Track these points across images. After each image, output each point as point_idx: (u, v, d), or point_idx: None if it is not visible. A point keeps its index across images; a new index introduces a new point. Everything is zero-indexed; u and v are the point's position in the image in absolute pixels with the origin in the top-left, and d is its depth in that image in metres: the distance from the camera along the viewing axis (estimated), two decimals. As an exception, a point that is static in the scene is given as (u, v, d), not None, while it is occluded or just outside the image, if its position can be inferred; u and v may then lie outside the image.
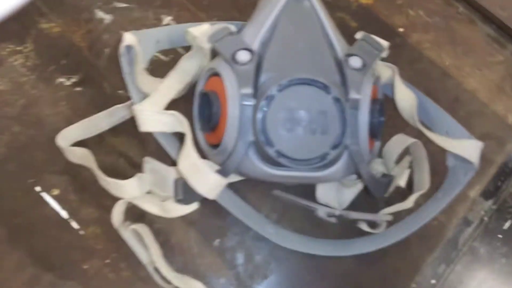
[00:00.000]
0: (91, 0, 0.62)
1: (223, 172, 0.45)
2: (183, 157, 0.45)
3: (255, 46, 0.46)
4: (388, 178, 0.50)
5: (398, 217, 0.53)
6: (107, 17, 0.61)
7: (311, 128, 0.43)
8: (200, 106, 0.49)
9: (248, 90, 0.44)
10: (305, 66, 0.45)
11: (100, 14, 0.61)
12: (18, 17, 0.60)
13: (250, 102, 0.44)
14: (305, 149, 0.43)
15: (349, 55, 0.47)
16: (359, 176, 0.47)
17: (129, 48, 0.50)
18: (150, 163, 0.48)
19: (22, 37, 0.60)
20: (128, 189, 0.49)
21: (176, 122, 0.47)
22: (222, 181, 0.44)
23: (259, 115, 0.43)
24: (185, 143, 0.45)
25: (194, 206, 0.47)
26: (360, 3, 0.65)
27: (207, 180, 0.44)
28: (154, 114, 0.47)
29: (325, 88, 0.43)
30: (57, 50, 0.59)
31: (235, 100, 0.44)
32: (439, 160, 0.56)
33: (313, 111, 0.43)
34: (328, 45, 0.47)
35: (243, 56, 0.45)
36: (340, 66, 0.46)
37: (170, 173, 0.47)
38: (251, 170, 0.46)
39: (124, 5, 0.62)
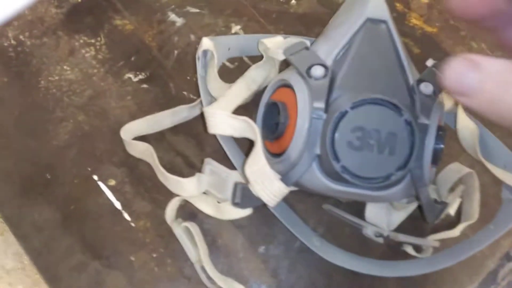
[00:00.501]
0: (165, 2, 0.64)
1: (286, 180, 0.45)
2: (251, 162, 0.45)
3: (329, 62, 0.46)
4: (442, 205, 0.50)
5: (442, 245, 0.52)
6: (179, 20, 0.63)
7: (380, 148, 0.42)
8: (266, 115, 0.49)
9: (320, 105, 0.44)
10: (378, 87, 0.44)
11: (172, 16, 0.63)
12: (93, 11, 0.62)
13: (321, 116, 0.44)
14: (371, 167, 0.43)
15: (420, 80, 0.46)
16: (417, 199, 0.47)
17: (205, 52, 0.51)
18: (211, 165, 0.49)
19: (96, 30, 0.61)
20: (186, 187, 0.50)
21: (247, 127, 0.47)
22: (285, 190, 0.45)
23: (329, 130, 0.42)
24: (255, 149, 0.45)
25: (248, 211, 0.48)
26: (424, 31, 0.65)
27: (272, 188, 0.44)
28: (225, 118, 0.48)
29: (397, 110, 0.42)
30: (128, 46, 0.61)
31: (306, 112, 0.44)
32: (490, 193, 0.55)
33: (384, 131, 0.42)
34: (401, 69, 0.47)
35: (318, 71, 0.45)
36: (412, 91, 0.46)
37: (230, 176, 0.47)
38: (312, 182, 0.46)
39: (197, 10, 0.63)
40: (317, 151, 0.44)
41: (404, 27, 0.65)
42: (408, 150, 0.43)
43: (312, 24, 0.63)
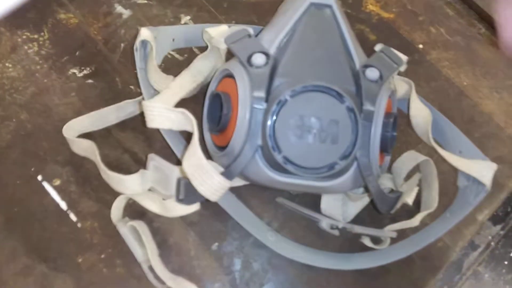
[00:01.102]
0: (111, -6, 0.61)
1: (227, 174, 0.43)
2: (188, 156, 0.43)
3: (272, 50, 0.44)
4: (396, 194, 0.47)
5: (402, 235, 0.51)
6: (126, 12, 0.60)
7: (322, 137, 0.40)
8: (210, 107, 0.47)
9: (261, 94, 0.42)
10: (320, 74, 0.42)
11: (119, 8, 0.60)
12: (36, 5, 0.59)
13: (262, 105, 0.42)
14: (314, 157, 0.41)
15: (366, 66, 0.44)
16: (367, 190, 0.45)
17: (144, 43, 0.49)
18: (155, 160, 0.46)
19: (39, 25, 0.58)
20: (130, 185, 0.47)
21: (184, 120, 0.45)
22: (226, 184, 0.42)
23: (269, 120, 0.40)
24: (192, 142, 0.42)
25: (195, 207, 0.45)
26: (381, 17, 0.63)
27: (211, 182, 0.42)
28: (163, 111, 0.45)
29: (339, 97, 0.40)
30: (73, 41, 0.58)
31: (246, 102, 0.42)
32: (449, 180, 0.53)
33: (325, 119, 0.40)
34: (346, 54, 0.45)
35: (258, 59, 0.43)
36: (357, 77, 0.44)
37: (173, 171, 0.45)
38: (256, 175, 0.43)
39: (144, 1, 0.61)
40: (259, 142, 0.42)
41: (360, 14, 0.63)
42: (352, 138, 0.41)
43: (265, 13, 0.61)
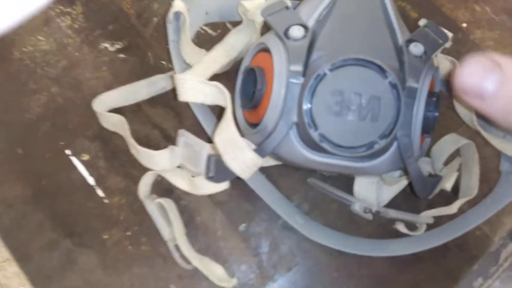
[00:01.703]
0: (145, -34, 0.59)
1: (260, 152, 0.40)
2: (220, 130, 0.40)
3: (311, 23, 0.41)
4: (436, 178, 0.44)
5: (438, 222, 0.48)
6: (159, -14, 0.58)
7: (361, 114, 0.37)
8: (244, 82, 0.44)
9: (298, 68, 0.39)
10: (362, 47, 0.39)
11: (152, -18, 0.58)
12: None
13: (299, 80, 0.39)
14: (352, 135, 0.38)
15: (410, 40, 0.41)
16: (405, 173, 0.42)
17: (177, 15, 0.47)
18: (185, 136, 0.45)
19: (72, -2, 0.57)
20: (159, 161, 0.45)
21: (218, 93, 0.42)
22: (258, 161, 0.40)
23: (306, 94, 0.37)
24: (225, 116, 0.40)
25: (224, 186, 0.43)
26: (423, -6, 0.59)
27: (243, 158, 0.40)
28: (195, 84, 0.43)
29: (381, 71, 0.37)
30: (105, 15, 0.56)
31: (282, 77, 0.39)
32: (490, 167, 0.50)
33: (366, 95, 0.37)
34: (389, 28, 0.41)
35: (296, 31, 0.40)
36: (400, 51, 0.40)
37: (204, 148, 0.43)
38: (289, 153, 0.41)
39: (178, -24, 0.58)
40: (294, 118, 0.39)
41: (401, -10, 0.59)
42: (393, 116, 0.38)
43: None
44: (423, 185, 0.42)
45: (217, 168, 0.41)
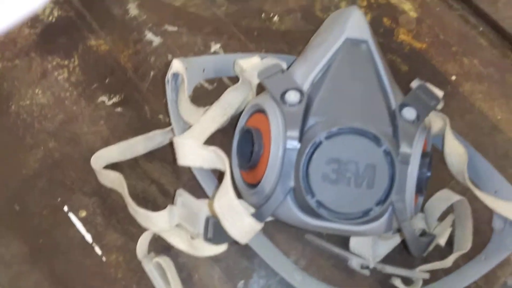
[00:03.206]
0: (142, 21, 0.58)
1: (259, 215, 0.40)
2: (219, 195, 0.40)
3: (306, 86, 0.42)
4: (429, 238, 0.44)
5: (434, 276, 0.47)
6: (156, 40, 0.58)
7: (357, 181, 0.38)
8: (240, 142, 0.44)
9: (294, 133, 0.39)
10: (356, 114, 0.40)
11: (149, 35, 0.58)
12: (67, 31, 0.57)
13: (295, 146, 0.39)
14: (348, 202, 0.38)
15: (403, 105, 0.41)
16: (398, 230, 0.42)
17: (176, 75, 0.46)
18: (183, 197, 0.44)
19: (70, 51, 0.57)
20: (157, 221, 0.45)
21: (216, 158, 0.42)
22: (257, 226, 0.40)
23: (303, 161, 0.38)
24: (224, 182, 0.40)
25: (223, 247, 0.43)
26: (413, 47, 0.60)
27: (242, 224, 0.39)
28: (194, 148, 0.43)
29: (376, 140, 0.37)
30: (102, 68, 0.56)
31: (279, 141, 0.39)
32: (482, 220, 0.50)
33: (362, 163, 0.37)
34: (383, 93, 0.42)
35: (292, 96, 0.40)
36: (393, 116, 0.41)
37: (202, 210, 0.42)
38: (287, 217, 0.41)
39: (175, 28, 0.58)
40: (291, 183, 0.39)
41: (392, 43, 0.60)
42: (388, 182, 0.38)
43: (295, 42, 0.58)
44: (417, 245, 0.42)
45: (215, 231, 0.41)
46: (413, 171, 0.40)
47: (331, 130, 0.37)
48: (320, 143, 0.37)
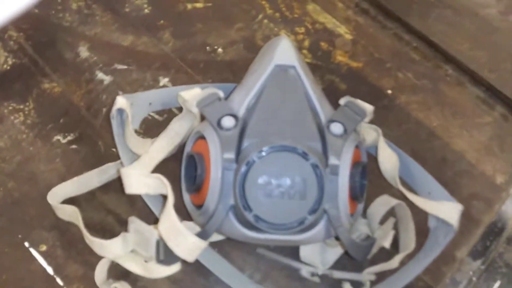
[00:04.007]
0: (93, 61, 0.62)
1: (203, 234, 0.43)
2: (163, 219, 0.43)
3: (242, 111, 0.46)
4: (369, 241, 0.47)
5: (383, 277, 0.50)
6: (107, 78, 0.61)
7: (290, 194, 0.41)
8: (186, 168, 0.47)
9: (231, 155, 0.43)
10: (286, 133, 0.43)
11: (100, 75, 0.61)
12: (21, 76, 0.60)
13: (232, 166, 0.42)
14: (283, 214, 0.41)
15: (330, 121, 0.45)
16: (338, 239, 0.45)
17: (120, 111, 0.50)
18: (135, 223, 0.47)
19: (25, 96, 0.60)
20: (112, 249, 0.47)
21: (160, 184, 0.45)
22: (202, 244, 0.43)
23: (239, 180, 0.41)
24: (166, 206, 0.43)
25: (176, 268, 0.46)
26: (350, 66, 0.64)
27: (186, 243, 0.42)
28: (139, 177, 0.46)
29: (304, 155, 0.41)
30: (57, 109, 0.59)
31: (218, 164, 0.43)
32: (425, 221, 0.53)
33: (292, 177, 0.41)
34: (312, 111, 0.46)
35: (227, 122, 0.44)
36: (322, 132, 0.45)
37: (152, 234, 0.45)
38: (231, 232, 0.44)
39: (124, 67, 0.62)
40: (231, 201, 0.42)
41: (330, 65, 0.64)
42: (318, 193, 0.41)
43: (239, 71, 0.61)
44: (356, 250, 0.45)
45: (166, 252, 0.44)
46: (343, 181, 0.43)
47: (262, 149, 0.41)
48: (253, 162, 0.41)
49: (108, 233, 0.48)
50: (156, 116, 0.58)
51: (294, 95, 0.46)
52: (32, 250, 0.51)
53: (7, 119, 0.58)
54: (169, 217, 0.42)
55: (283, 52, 0.47)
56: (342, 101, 0.49)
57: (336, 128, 0.45)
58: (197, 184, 0.44)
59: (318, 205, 0.41)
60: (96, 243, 0.47)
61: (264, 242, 0.45)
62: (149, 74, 0.62)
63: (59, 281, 0.50)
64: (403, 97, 0.63)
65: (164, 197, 0.49)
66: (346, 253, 0.50)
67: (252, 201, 0.41)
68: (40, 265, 0.51)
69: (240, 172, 0.41)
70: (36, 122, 0.58)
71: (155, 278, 0.46)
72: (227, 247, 0.52)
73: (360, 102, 0.50)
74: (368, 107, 0.50)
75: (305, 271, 0.49)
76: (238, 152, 0.43)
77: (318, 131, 0.44)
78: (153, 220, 0.47)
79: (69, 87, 0.60)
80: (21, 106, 0.59)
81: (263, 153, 0.41)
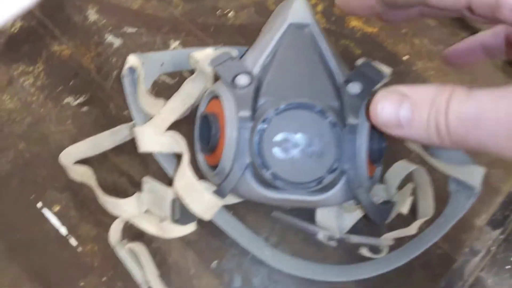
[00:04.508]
0: (102, 25, 0.61)
1: (219, 193, 0.43)
2: (179, 176, 0.43)
3: (256, 70, 0.45)
4: (388, 205, 0.47)
5: (401, 244, 0.50)
6: (116, 41, 0.60)
7: (308, 152, 0.40)
8: (200, 128, 0.47)
9: (246, 113, 0.42)
10: (303, 91, 0.43)
11: (110, 38, 0.60)
12: (30, 39, 0.60)
13: (248, 124, 0.42)
14: (301, 172, 0.41)
15: (347, 81, 0.45)
16: (358, 202, 0.44)
17: (132, 69, 0.49)
18: (149, 183, 0.46)
19: (34, 58, 0.59)
20: (126, 208, 0.47)
21: (174, 142, 0.45)
22: (218, 202, 0.42)
23: (256, 138, 0.40)
24: (182, 163, 0.43)
25: (191, 228, 0.45)
26: (364, 32, 0.63)
27: (202, 200, 0.42)
28: (152, 135, 0.46)
29: (321, 112, 0.40)
30: (67, 71, 0.58)
31: (233, 122, 0.42)
32: (444, 187, 0.52)
33: (310, 135, 0.40)
34: (327, 71, 0.45)
35: (242, 80, 0.44)
36: (339, 91, 0.44)
37: (167, 193, 0.45)
38: (247, 192, 0.44)
39: (134, 30, 0.61)
40: (248, 160, 0.42)
41: (344, 30, 0.63)
42: (336, 151, 0.41)
43: (251, 35, 0.60)
44: (375, 212, 0.45)
45: (182, 211, 0.44)
46: (362, 140, 0.43)
47: (279, 106, 0.40)
48: (270, 119, 0.40)
49: (121, 194, 0.48)
50: (168, 79, 0.58)
51: (309, 54, 0.45)
52: (45, 211, 0.51)
53: (16, 81, 0.57)
54: (184, 173, 0.42)
55: (298, 10, 0.46)
56: (359, 61, 0.48)
57: (354, 87, 0.44)
58: (211, 144, 0.44)
59: (336, 164, 0.41)
60: (110, 202, 0.47)
61: (280, 203, 0.44)
62: (159, 37, 0.61)
63: (72, 241, 0.50)
64: (419, 63, 0.62)
65: (178, 158, 0.49)
66: (364, 217, 0.50)
67: (269, 159, 0.40)
68: (53, 226, 0.51)
69: (257, 130, 0.40)
70: (46, 84, 0.57)
71: (170, 237, 0.46)
72: (242, 210, 0.52)
73: (378, 64, 0.49)
74: (387, 69, 0.50)
75: (322, 235, 0.49)
76: (254, 110, 0.42)
77: (335, 89, 0.44)
78: (167, 182, 0.47)
79: (79, 50, 0.59)
80: (30, 69, 0.58)
81: (280, 110, 0.40)
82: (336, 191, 0.43)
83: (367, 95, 0.44)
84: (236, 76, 0.44)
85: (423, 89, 0.30)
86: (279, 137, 0.40)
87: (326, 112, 0.40)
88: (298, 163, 0.40)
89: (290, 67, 0.44)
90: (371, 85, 0.46)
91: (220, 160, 0.43)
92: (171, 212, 0.44)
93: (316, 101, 0.41)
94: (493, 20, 0.33)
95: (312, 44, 0.45)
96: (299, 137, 0.40)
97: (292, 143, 0.40)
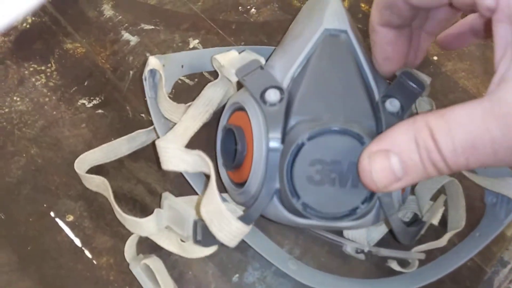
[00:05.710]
0: (118, 21, 0.58)
1: (246, 220, 0.38)
2: (206, 202, 0.39)
3: (286, 82, 0.40)
4: (418, 226, 0.44)
5: (430, 256, 0.46)
6: (133, 39, 0.56)
7: (342, 181, 0.36)
8: (223, 141, 0.43)
9: (277, 135, 0.37)
10: (338, 110, 0.38)
11: (126, 35, 0.56)
12: (42, 36, 0.56)
13: (278, 147, 0.37)
14: (334, 202, 0.37)
15: (386, 96, 0.39)
16: (388, 224, 0.41)
17: (153, 72, 0.45)
18: (169, 200, 0.43)
19: (46, 56, 0.55)
20: (145, 227, 0.43)
21: (200, 162, 0.40)
22: (245, 229, 0.38)
23: (286, 164, 0.36)
24: (209, 187, 0.38)
25: (213, 248, 0.42)
26: (392, 30, 0.59)
27: (229, 228, 0.38)
28: (178, 153, 0.41)
29: (358, 137, 0.36)
30: (81, 71, 0.54)
31: (262, 143, 0.38)
32: (475, 196, 0.49)
33: (345, 162, 0.36)
34: (364, 86, 0.40)
35: (272, 95, 0.39)
36: (376, 109, 0.39)
37: (189, 214, 0.41)
38: (274, 215, 0.40)
39: (151, 27, 0.57)
40: (277, 185, 0.37)
41: (371, 28, 0.59)
42: None
43: (274, 33, 0.57)
44: (405, 235, 0.41)
45: (204, 234, 0.40)
46: None
47: (313, 130, 0.36)
48: (302, 144, 0.36)
49: (138, 203, 0.45)
50: (187, 80, 0.54)
51: (345, 66, 0.40)
52: (58, 220, 0.48)
53: (28, 81, 0.54)
54: (212, 199, 0.38)
55: (334, 14, 0.41)
56: (398, 71, 0.44)
57: (392, 105, 0.39)
58: (237, 162, 0.40)
59: (372, 194, 0.36)
60: (129, 221, 0.43)
61: (310, 227, 0.41)
62: (177, 35, 0.57)
63: (87, 253, 0.47)
64: (449, 64, 0.58)
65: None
66: (392, 235, 0.47)
67: (300, 187, 0.36)
68: (67, 236, 0.47)
69: (288, 155, 0.36)
70: (59, 85, 0.53)
71: (192, 257, 0.43)
72: (264, 221, 0.47)
73: (417, 73, 0.43)
74: (426, 78, 0.45)
75: (349, 248, 0.46)
76: (284, 131, 0.37)
77: (371, 108, 0.39)
78: (186, 190, 0.44)
79: (93, 48, 0.56)
80: (43, 67, 0.54)
81: (314, 135, 0.36)
82: (368, 218, 0.39)
83: (406, 112, 0.40)
84: (265, 90, 0.39)
85: (396, 136, 0.29)
86: (311, 164, 0.36)
87: (363, 137, 0.36)
88: (331, 193, 0.36)
89: (324, 82, 0.39)
90: (410, 100, 0.40)
91: (247, 182, 0.39)
92: (193, 233, 0.41)
93: (352, 123, 0.36)
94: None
95: (348, 54, 0.40)
96: (333, 164, 0.36)
97: (325, 171, 0.36)
